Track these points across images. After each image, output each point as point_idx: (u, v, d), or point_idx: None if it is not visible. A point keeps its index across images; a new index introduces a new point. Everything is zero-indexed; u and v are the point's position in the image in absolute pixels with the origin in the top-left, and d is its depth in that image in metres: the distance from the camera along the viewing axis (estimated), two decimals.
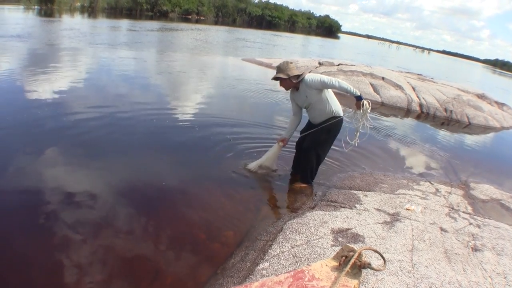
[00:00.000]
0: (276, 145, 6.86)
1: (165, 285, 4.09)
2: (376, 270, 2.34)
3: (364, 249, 2.30)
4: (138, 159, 7.02)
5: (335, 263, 2.30)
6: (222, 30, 51.76)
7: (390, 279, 4.15)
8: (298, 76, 6.37)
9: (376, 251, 2.44)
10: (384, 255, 4.30)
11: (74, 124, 8.15)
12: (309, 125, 6.81)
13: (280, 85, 6.57)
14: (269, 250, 4.48)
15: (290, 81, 6.35)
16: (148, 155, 7.18)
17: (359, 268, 2.26)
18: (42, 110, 8.71)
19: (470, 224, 5.79)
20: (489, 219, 6.23)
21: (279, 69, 6.38)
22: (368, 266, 2.26)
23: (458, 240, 5.32)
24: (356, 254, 2.24)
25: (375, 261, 4.30)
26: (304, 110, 6.79)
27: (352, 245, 2.34)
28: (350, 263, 2.21)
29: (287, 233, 4.83)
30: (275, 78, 6.43)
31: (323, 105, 6.45)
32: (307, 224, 5.07)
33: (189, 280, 4.21)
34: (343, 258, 2.28)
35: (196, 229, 5.12)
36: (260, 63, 21.86)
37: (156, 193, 5.88)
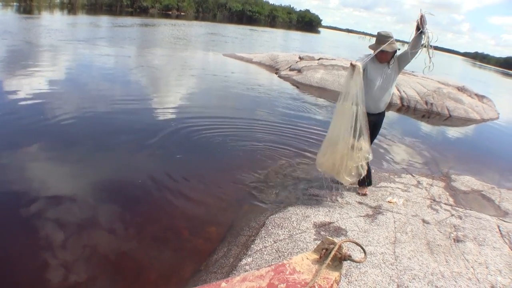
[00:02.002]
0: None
1: (149, 282, 4.08)
2: (357, 262, 2.35)
3: (345, 242, 2.30)
4: (119, 156, 7.00)
5: (316, 256, 2.30)
6: (202, 26, 51.54)
7: (373, 271, 4.18)
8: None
9: (356, 243, 2.44)
10: (366, 247, 4.33)
11: (54, 122, 8.07)
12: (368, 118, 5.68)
13: (380, 58, 5.72)
14: (252, 245, 4.49)
15: (390, 55, 5.69)
16: (128, 152, 7.14)
17: (339, 260, 2.26)
18: (19, 108, 8.62)
19: (452, 215, 5.84)
20: (470, 210, 6.28)
21: (383, 40, 5.60)
22: (348, 258, 2.26)
23: (440, 232, 5.37)
24: (336, 247, 2.24)
25: (358, 254, 4.34)
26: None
27: (332, 238, 2.34)
28: (331, 255, 2.21)
29: (270, 228, 4.84)
30: (381, 54, 5.61)
31: (392, 89, 5.91)
32: (290, 218, 5.08)
33: (173, 277, 4.21)
34: (324, 251, 2.28)
35: (178, 226, 5.11)
36: (241, 58, 21.85)
37: (138, 190, 5.85)
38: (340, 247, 2.26)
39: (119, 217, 5.11)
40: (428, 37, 5.51)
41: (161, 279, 4.14)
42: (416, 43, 5.51)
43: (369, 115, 5.57)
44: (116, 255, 4.40)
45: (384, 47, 5.46)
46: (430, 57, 5.56)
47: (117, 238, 4.67)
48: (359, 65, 5.33)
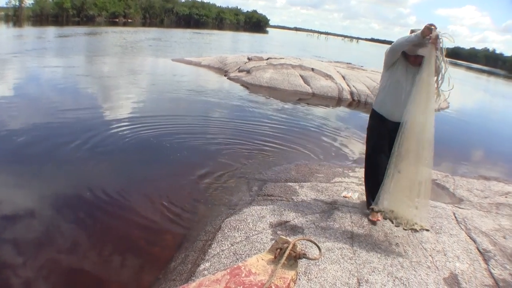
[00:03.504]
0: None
1: None
2: (312, 260, 2.35)
3: (298, 240, 2.30)
4: (70, 169, 6.82)
5: (271, 256, 2.29)
6: (150, 32, 51.13)
7: (332, 267, 4.20)
8: None
9: (310, 241, 2.44)
10: (323, 244, 4.35)
11: (2, 138, 7.86)
12: (385, 125, 5.18)
13: (413, 62, 4.87)
14: (209, 250, 4.46)
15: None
16: (80, 165, 6.97)
17: (295, 259, 2.26)
18: None
19: None
20: None
21: (421, 42, 4.65)
22: (303, 256, 2.26)
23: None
24: (290, 246, 2.24)
25: (316, 251, 4.34)
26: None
27: (286, 237, 2.33)
28: (285, 255, 2.21)
29: (226, 231, 4.81)
30: (415, 57, 4.80)
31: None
32: (245, 220, 5.07)
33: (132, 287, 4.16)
34: (278, 250, 2.28)
35: (135, 236, 5.05)
36: (190, 62, 21.76)
37: (92, 203, 5.72)
38: (294, 245, 2.26)
39: (72, 233, 4.99)
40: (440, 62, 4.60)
41: None
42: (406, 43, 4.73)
43: (391, 123, 5.05)
44: (73, 271, 4.31)
45: (422, 51, 4.69)
46: (437, 85, 4.69)
47: (73, 254, 4.57)
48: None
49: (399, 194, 4.77)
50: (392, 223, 4.90)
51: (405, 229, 4.86)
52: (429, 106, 4.45)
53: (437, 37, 4.40)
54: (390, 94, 5.01)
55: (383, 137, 5.14)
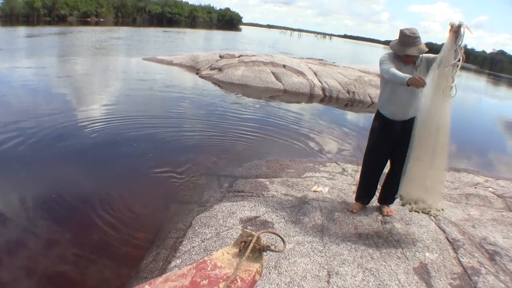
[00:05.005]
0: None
1: None
2: (276, 252, 2.38)
3: (262, 233, 2.33)
4: (35, 169, 6.73)
5: (236, 250, 2.32)
6: (122, 31, 50.51)
7: (302, 260, 4.24)
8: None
9: (274, 233, 2.48)
10: (293, 238, 4.39)
11: None
12: (388, 124, 5.21)
13: (406, 61, 4.92)
14: (180, 247, 4.47)
15: (416, 56, 4.89)
16: (45, 165, 6.90)
17: (259, 251, 2.29)
18: None
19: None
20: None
21: (408, 42, 4.79)
22: (267, 248, 2.29)
23: (367, 216, 5.51)
24: (254, 239, 2.26)
25: (288, 245, 4.39)
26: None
27: (251, 231, 2.36)
28: (250, 247, 2.23)
29: (196, 228, 4.83)
30: (406, 56, 4.85)
31: (421, 93, 4.84)
32: (216, 216, 5.08)
33: (105, 287, 4.15)
34: (243, 243, 2.30)
35: (107, 235, 5.01)
36: (161, 61, 21.61)
37: (60, 205, 5.66)
38: (258, 238, 2.29)
39: (45, 235, 4.95)
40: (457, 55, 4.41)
41: None
42: (440, 58, 4.53)
43: (395, 122, 5.09)
44: (44, 274, 4.27)
45: (410, 51, 4.76)
46: (452, 77, 4.47)
47: (43, 257, 4.52)
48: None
49: (419, 180, 4.85)
50: (412, 209, 4.98)
51: (425, 213, 5.00)
52: (447, 97, 4.47)
53: (459, 27, 4.30)
54: (390, 95, 5.04)
55: (383, 138, 5.21)
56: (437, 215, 5.02)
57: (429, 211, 4.91)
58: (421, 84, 4.33)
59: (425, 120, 4.64)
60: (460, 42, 4.32)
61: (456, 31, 4.27)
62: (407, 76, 4.45)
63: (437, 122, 4.56)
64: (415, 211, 4.97)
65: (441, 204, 4.97)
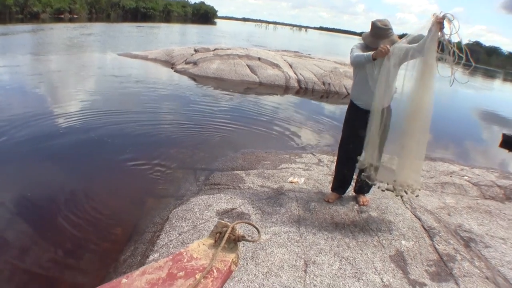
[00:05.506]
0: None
1: None
2: (251, 241, 2.41)
3: (237, 223, 2.36)
4: (12, 169, 6.65)
5: (212, 241, 2.34)
6: (96, 27, 49.84)
7: (279, 251, 4.28)
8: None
9: (248, 223, 2.51)
10: (270, 228, 4.42)
11: None
12: (362, 114, 5.13)
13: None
14: (158, 241, 4.47)
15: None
16: (23, 164, 6.79)
17: (234, 242, 2.32)
18: None
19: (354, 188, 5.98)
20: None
21: (381, 33, 4.84)
22: (242, 238, 2.32)
23: (343, 205, 5.55)
24: (229, 229, 2.29)
25: (265, 235, 4.44)
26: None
27: (225, 221, 2.39)
28: (225, 238, 2.26)
29: (173, 221, 4.84)
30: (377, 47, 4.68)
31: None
32: (192, 209, 5.09)
33: (84, 283, 4.14)
34: (218, 234, 2.33)
35: (84, 232, 4.98)
36: (136, 56, 21.47)
37: (37, 203, 5.62)
38: (233, 229, 2.31)
39: (22, 234, 4.88)
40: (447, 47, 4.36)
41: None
42: (423, 49, 4.45)
43: (368, 112, 4.95)
44: (22, 273, 4.24)
45: (383, 43, 4.65)
46: (452, 70, 4.45)
47: (21, 256, 4.47)
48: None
49: (404, 164, 4.92)
50: (393, 191, 5.01)
51: (413, 194, 4.97)
52: (429, 85, 4.49)
53: (443, 18, 4.23)
54: (363, 86, 5.01)
55: (357, 128, 5.17)
56: (416, 195, 5.06)
57: (407, 190, 4.90)
58: (385, 51, 4.45)
59: (408, 107, 4.68)
60: (448, 36, 4.30)
61: (440, 22, 4.24)
62: (369, 53, 4.57)
63: (419, 108, 4.61)
64: (387, 189, 5.05)
65: (418, 183, 4.98)
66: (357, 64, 4.94)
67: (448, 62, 4.40)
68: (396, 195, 5.16)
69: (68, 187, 6.06)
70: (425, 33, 4.41)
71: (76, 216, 5.32)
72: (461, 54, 4.33)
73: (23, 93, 11.95)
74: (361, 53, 4.79)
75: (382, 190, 5.15)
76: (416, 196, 5.08)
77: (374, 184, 5.22)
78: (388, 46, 4.48)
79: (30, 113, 9.40)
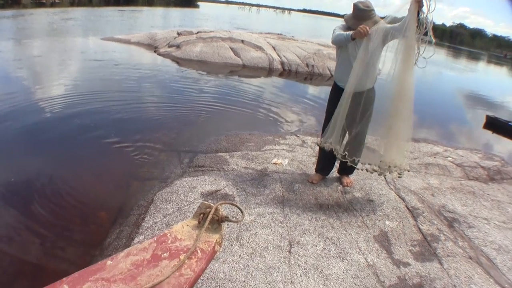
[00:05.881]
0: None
1: (48, 277, 3.93)
2: (235, 222, 2.42)
3: (220, 204, 2.37)
4: None
5: (195, 222, 2.35)
6: (77, 11, 49.32)
7: (263, 231, 4.30)
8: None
9: (232, 204, 2.52)
10: (254, 210, 4.44)
11: None
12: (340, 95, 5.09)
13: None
14: (142, 223, 4.47)
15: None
16: (4, 149, 6.77)
17: (218, 222, 2.33)
18: None
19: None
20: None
21: (363, 15, 4.76)
22: (226, 219, 2.33)
23: (327, 186, 5.58)
24: (213, 210, 2.30)
25: (249, 216, 4.47)
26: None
27: (209, 202, 2.39)
28: (208, 219, 2.27)
29: (158, 204, 4.83)
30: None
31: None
32: (177, 192, 5.10)
33: (71, 268, 4.09)
34: (201, 215, 2.34)
35: (69, 216, 4.98)
36: (119, 40, 21.30)
37: (20, 188, 5.55)
38: (216, 209, 2.32)
39: (6, 219, 4.85)
40: (423, 25, 4.35)
41: (59, 272, 3.99)
42: (404, 29, 4.43)
43: (352, 93, 4.92)
44: (9, 260, 4.22)
45: (366, 24, 4.60)
46: (418, 51, 4.49)
47: (4, 242, 4.45)
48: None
49: (391, 145, 4.97)
50: (377, 171, 5.09)
51: (400, 175, 5.03)
52: (411, 64, 4.49)
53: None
54: (346, 67, 4.97)
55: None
56: (400, 176, 5.09)
57: (395, 170, 4.96)
58: (365, 32, 4.46)
59: (393, 88, 4.70)
60: (425, 14, 4.28)
61: (418, 1, 4.23)
62: (349, 32, 4.58)
63: (403, 88, 4.63)
64: (374, 170, 5.10)
65: (405, 164, 5.04)
66: (337, 43, 4.95)
67: (423, 41, 4.44)
68: (379, 175, 5.20)
69: (51, 172, 6.02)
70: (405, 13, 4.40)
71: (60, 200, 5.30)
72: (431, 37, 4.39)
73: (5, 78, 11.80)
74: (339, 32, 4.80)
75: (367, 171, 5.19)
76: (399, 177, 5.10)
77: (355, 165, 5.24)
78: (368, 27, 4.48)
79: (9, 99, 9.28)
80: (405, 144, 5.02)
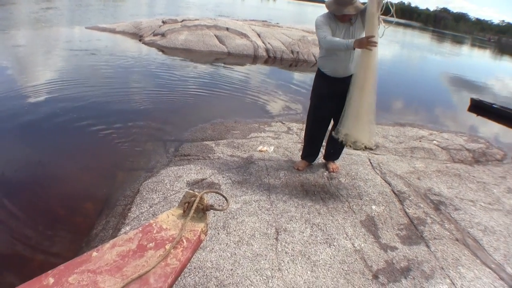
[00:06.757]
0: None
1: (34, 269, 3.94)
2: (219, 210, 2.42)
3: (205, 193, 2.36)
4: None
5: (180, 211, 2.35)
6: (59, 0, 49.04)
7: (250, 219, 4.31)
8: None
9: (216, 192, 2.52)
10: (241, 197, 4.44)
11: None
12: (330, 82, 5.13)
13: (342, 19, 4.76)
14: (129, 214, 4.46)
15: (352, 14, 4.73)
16: None
17: (203, 211, 2.33)
18: None
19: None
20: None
21: (350, 0, 4.63)
22: (211, 208, 2.33)
23: (313, 173, 5.60)
24: (197, 199, 2.30)
25: (235, 204, 4.46)
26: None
27: (194, 191, 2.39)
28: (193, 208, 2.27)
29: (144, 194, 4.83)
30: (343, 15, 4.70)
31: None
32: (163, 181, 5.09)
33: (56, 260, 4.07)
34: (186, 204, 2.34)
35: (55, 207, 4.95)
36: (104, 29, 21.10)
37: (5, 178, 5.51)
38: (201, 198, 2.32)
39: None
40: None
41: (45, 264, 3.98)
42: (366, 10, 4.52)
43: (336, 80, 5.03)
44: None
45: (347, 10, 4.62)
46: (378, 24, 4.44)
47: None
48: None
49: (356, 119, 4.88)
50: (350, 146, 5.11)
51: (359, 149, 5.27)
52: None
53: None
54: (330, 54, 4.94)
55: (324, 96, 5.18)
56: (371, 149, 5.12)
57: (362, 145, 4.98)
58: (373, 44, 4.31)
59: (357, 64, 4.72)
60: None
61: None
62: (350, 41, 4.43)
63: (366, 64, 4.59)
64: (349, 145, 5.08)
65: (373, 141, 5.16)
66: (333, 49, 4.79)
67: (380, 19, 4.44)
68: (355, 149, 5.41)
69: (36, 163, 5.98)
70: None
71: (45, 191, 5.28)
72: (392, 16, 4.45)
73: None
74: (333, 39, 4.60)
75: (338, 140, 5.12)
76: (367, 148, 5.17)
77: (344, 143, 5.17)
78: (372, 38, 4.30)
79: None
80: (370, 125, 4.96)
